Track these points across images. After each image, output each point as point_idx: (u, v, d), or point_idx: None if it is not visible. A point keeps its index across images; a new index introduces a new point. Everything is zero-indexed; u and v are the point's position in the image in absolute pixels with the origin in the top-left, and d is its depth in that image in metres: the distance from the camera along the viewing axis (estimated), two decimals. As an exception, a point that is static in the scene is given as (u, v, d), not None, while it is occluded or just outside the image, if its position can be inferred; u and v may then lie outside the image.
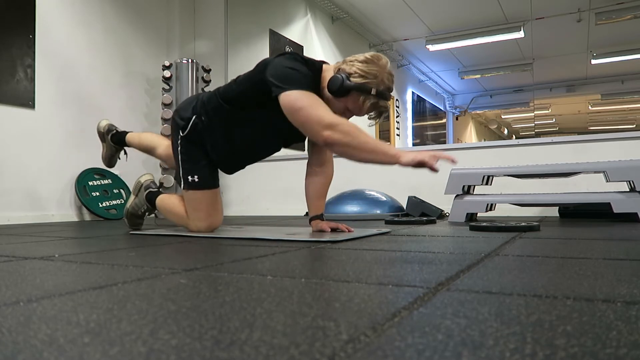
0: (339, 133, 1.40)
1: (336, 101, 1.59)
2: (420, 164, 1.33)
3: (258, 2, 4.57)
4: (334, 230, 1.73)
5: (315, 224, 1.80)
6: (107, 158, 2.24)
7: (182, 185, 1.80)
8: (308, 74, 1.54)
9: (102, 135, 2.22)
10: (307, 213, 3.57)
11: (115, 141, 2.18)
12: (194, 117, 1.75)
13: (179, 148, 1.80)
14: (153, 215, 2.09)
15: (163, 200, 1.93)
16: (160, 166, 3.61)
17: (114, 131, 2.20)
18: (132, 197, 2.04)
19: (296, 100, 1.45)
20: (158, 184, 2.06)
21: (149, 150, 2.13)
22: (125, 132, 2.19)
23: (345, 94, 1.56)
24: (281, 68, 1.51)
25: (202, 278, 0.78)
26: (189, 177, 1.77)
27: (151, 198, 1.97)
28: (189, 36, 4.23)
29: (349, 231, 1.70)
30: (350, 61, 1.58)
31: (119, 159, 2.28)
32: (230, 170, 1.91)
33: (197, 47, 4.23)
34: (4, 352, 0.40)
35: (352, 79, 1.54)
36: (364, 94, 1.55)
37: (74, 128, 3.35)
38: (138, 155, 3.74)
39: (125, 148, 2.25)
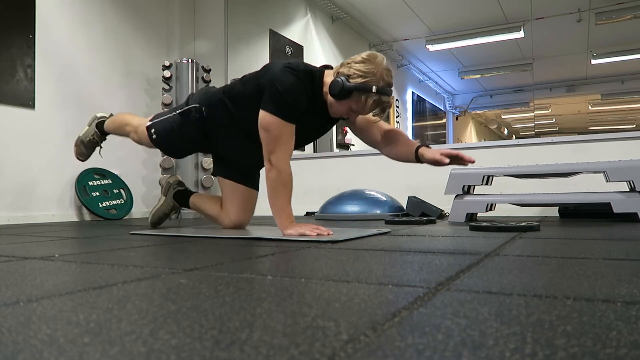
0: (273, 174, 1.61)
1: (339, 104, 1.63)
2: (300, 235, 1.50)
3: (258, 2, 4.57)
4: (451, 156, 1.65)
5: (423, 153, 1.71)
6: (158, 216, 2.17)
7: (147, 132, 1.93)
8: (297, 102, 1.61)
9: (168, 189, 2.19)
10: (307, 213, 3.57)
11: (177, 199, 2.16)
12: (196, 105, 1.84)
13: (169, 116, 1.90)
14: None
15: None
16: (160, 166, 3.61)
17: (183, 189, 2.17)
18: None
19: (270, 124, 1.60)
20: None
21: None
22: (191, 193, 2.16)
23: (347, 96, 1.59)
24: (276, 91, 1.58)
25: (202, 278, 0.78)
26: (153, 129, 1.92)
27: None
28: (189, 36, 4.23)
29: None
30: (348, 63, 1.61)
31: (170, 219, 2.25)
32: (237, 167, 1.99)
33: (197, 47, 4.23)
34: (4, 352, 0.40)
35: (351, 80, 1.58)
36: (366, 93, 1.58)
37: (74, 128, 3.35)
38: (138, 155, 3.75)
39: (102, 144, 2.27)
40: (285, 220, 1.60)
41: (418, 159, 1.73)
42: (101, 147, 2.25)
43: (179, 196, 2.15)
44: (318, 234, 1.50)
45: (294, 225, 1.58)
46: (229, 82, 1.85)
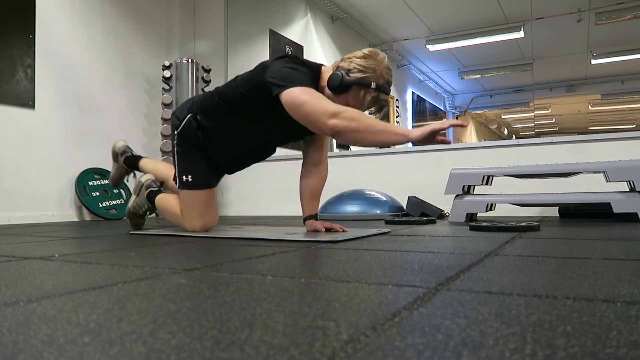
0: (345, 120, 1.39)
1: (337, 98, 1.60)
2: (431, 135, 1.35)
3: (258, 2, 4.57)
4: (328, 230, 1.73)
5: (309, 224, 1.80)
6: (114, 179, 2.23)
7: (177, 185, 1.82)
8: (307, 72, 1.57)
9: (116, 155, 2.21)
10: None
11: (127, 164, 2.17)
12: (188, 115, 1.77)
13: (175, 148, 1.82)
14: (154, 214, 2.09)
15: (161, 199, 1.94)
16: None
17: (129, 154, 2.18)
18: (133, 197, 2.05)
19: (298, 96, 1.46)
20: (159, 184, 2.06)
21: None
22: (140, 157, 2.16)
23: (346, 90, 1.58)
24: (280, 69, 1.53)
25: (202, 278, 0.78)
26: (184, 177, 1.79)
27: (152, 197, 1.98)
28: (189, 36, 4.23)
29: (343, 231, 1.70)
30: (349, 58, 1.60)
31: (127, 181, 2.26)
32: (230, 170, 1.92)
33: (197, 47, 4.23)
34: (4, 352, 0.40)
35: (351, 74, 1.57)
36: (364, 89, 1.57)
37: (74, 128, 3.35)
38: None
39: (135, 172, 2.24)
40: (398, 128, 1.42)
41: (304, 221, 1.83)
42: (150, 213, 2.08)
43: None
44: (445, 126, 1.36)
45: (415, 129, 1.40)
46: (227, 82, 1.80)
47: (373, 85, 1.56)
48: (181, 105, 1.88)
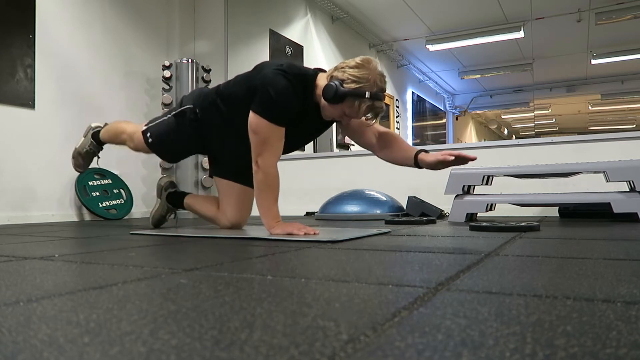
0: (260, 176, 1.63)
1: (332, 108, 1.63)
2: (288, 235, 1.52)
3: (258, 2, 4.57)
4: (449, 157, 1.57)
5: (423, 158, 1.66)
6: (156, 218, 2.20)
7: (143, 135, 1.95)
8: (287, 106, 1.61)
9: (160, 191, 2.20)
10: (307, 213, 3.57)
11: (170, 201, 2.17)
12: (190, 106, 1.85)
13: (165, 118, 1.92)
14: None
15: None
16: (160, 166, 3.61)
17: (174, 190, 2.18)
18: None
19: (259, 127, 1.61)
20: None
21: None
22: (185, 194, 2.16)
23: (341, 100, 1.59)
24: (267, 94, 1.59)
25: (202, 278, 0.78)
26: (148, 134, 1.93)
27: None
28: (189, 36, 4.23)
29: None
30: (342, 68, 1.61)
31: (167, 220, 2.25)
32: (228, 171, 1.96)
33: (197, 47, 4.23)
34: (4, 352, 0.40)
35: (345, 85, 1.58)
36: (359, 99, 1.58)
37: (74, 128, 3.35)
38: (138, 155, 3.75)
39: (100, 153, 2.29)
40: (272, 220, 1.62)
41: (417, 164, 1.68)
42: (99, 157, 2.26)
43: (172, 197, 2.16)
44: (305, 233, 1.51)
45: (281, 224, 1.60)
46: (228, 80, 1.85)
47: (367, 94, 1.57)
48: (194, 91, 1.97)
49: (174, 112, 1.90)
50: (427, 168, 1.67)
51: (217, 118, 1.80)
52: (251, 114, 1.62)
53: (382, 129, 1.85)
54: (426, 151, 1.68)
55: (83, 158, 2.21)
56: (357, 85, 1.56)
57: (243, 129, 1.70)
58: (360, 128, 1.83)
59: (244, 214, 1.98)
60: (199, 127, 1.85)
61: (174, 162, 2.25)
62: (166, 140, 1.92)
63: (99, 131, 2.19)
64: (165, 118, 1.93)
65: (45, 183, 3.16)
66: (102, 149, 2.23)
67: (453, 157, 1.55)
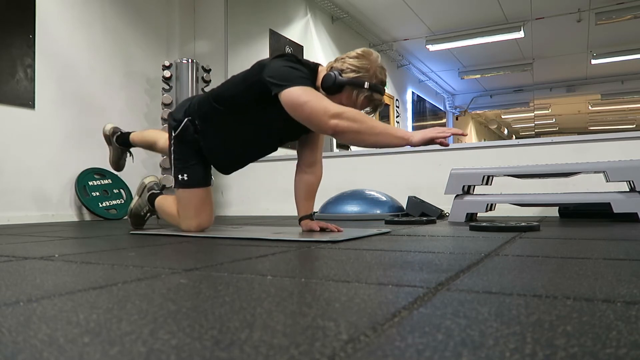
0: (346, 120, 1.41)
1: (331, 98, 1.59)
2: (430, 141, 1.38)
3: (258, 2, 4.57)
4: (322, 230, 1.72)
5: (304, 224, 1.80)
6: (114, 161, 2.27)
7: (174, 184, 1.83)
8: (306, 72, 1.57)
9: (108, 138, 2.25)
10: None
11: (120, 142, 2.22)
12: (185, 119, 1.77)
13: (172, 147, 1.83)
14: (155, 216, 2.12)
15: (160, 200, 1.97)
16: (161, 166, 3.61)
17: (119, 133, 2.23)
18: (136, 198, 2.08)
19: (299, 96, 1.45)
20: (161, 186, 2.11)
21: (150, 146, 2.14)
22: (129, 133, 2.23)
23: (339, 90, 1.58)
24: (279, 68, 1.52)
25: (202, 278, 0.78)
26: (179, 176, 1.80)
27: (153, 199, 2.01)
28: (189, 36, 4.23)
29: (339, 231, 1.69)
30: (342, 58, 1.60)
31: (126, 160, 2.31)
32: (226, 171, 1.92)
33: (197, 47, 4.23)
34: (4, 352, 0.40)
35: (344, 74, 1.57)
36: (358, 89, 1.57)
37: (73, 128, 3.35)
38: (138, 155, 3.75)
39: (131, 149, 2.29)
40: (398, 131, 1.43)
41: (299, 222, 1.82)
42: (151, 215, 2.10)
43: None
44: (445, 135, 1.38)
45: (416, 132, 1.41)
46: (222, 84, 1.79)
47: (366, 85, 1.56)
48: (178, 106, 1.88)
49: (175, 134, 1.79)
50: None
51: (217, 123, 1.73)
52: (282, 96, 1.47)
53: (319, 163, 1.87)
54: (311, 219, 1.81)
55: (141, 218, 2.08)
56: (356, 75, 1.55)
57: (243, 130, 1.69)
58: (313, 142, 1.83)
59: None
60: (202, 137, 1.77)
61: (208, 183, 1.96)
62: (191, 171, 1.79)
63: (155, 194, 2.02)
64: (173, 156, 1.81)
65: (45, 183, 3.16)
66: (155, 212, 2.06)
67: (317, 229, 1.72)
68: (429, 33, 6.26)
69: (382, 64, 1.62)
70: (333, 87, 1.57)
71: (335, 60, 1.62)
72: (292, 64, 1.54)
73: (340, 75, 1.56)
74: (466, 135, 1.44)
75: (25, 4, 3.05)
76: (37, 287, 0.71)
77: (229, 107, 1.69)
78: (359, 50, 1.60)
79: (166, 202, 1.93)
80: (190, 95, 3.60)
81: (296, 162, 1.90)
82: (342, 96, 1.59)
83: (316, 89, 1.60)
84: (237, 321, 0.50)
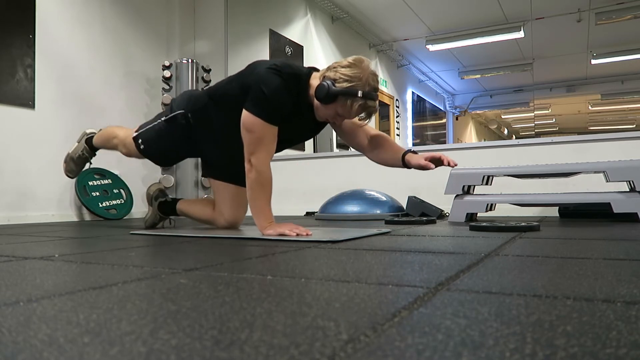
0: (253, 175, 1.61)
1: (325, 107, 1.63)
2: (280, 235, 1.51)
3: (258, 2, 4.57)
4: (422, 168, 1.70)
5: (410, 158, 1.75)
6: (150, 225, 2.22)
7: (134, 141, 1.96)
8: (281, 104, 1.61)
9: (150, 200, 2.22)
10: (307, 213, 3.57)
11: (162, 211, 2.18)
12: (180, 110, 1.85)
13: (157, 120, 1.93)
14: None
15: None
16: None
17: (164, 199, 2.18)
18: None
19: (253, 125, 1.59)
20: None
21: (204, 221, 2.10)
22: (176, 200, 2.17)
23: (333, 100, 1.59)
24: (260, 92, 1.58)
25: (202, 278, 0.78)
26: (140, 140, 1.94)
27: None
28: (189, 36, 4.23)
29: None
30: (334, 67, 1.61)
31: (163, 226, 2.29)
32: (224, 172, 1.96)
33: (197, 47, 4.23)
34: (4, 352, 0.40)
35: (337, 84, 1.58)
36: (351, 98, 1.58)
37: (74, 128, 3.35)
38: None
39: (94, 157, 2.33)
40: (264, 220, 1.61)
41: (405, 164, 1.76)
42: (91, 163, 2.30)
43: (164, 207, 2.15)
44: (297, 234, 1.50)
45: (273, 225, 1.58)
46: (220, 81, 1.85)
47: (359, 93, 1.57)
48: (183, 94, 1.96)
49: (165, 118, 1.89)
50: (414, 168, 1.75)
51: (210, 121, 1.81)
52: (244, 113, 1.61)
53: (373, 131, 1.87)
54: (415, 152, 1.76)
55: (75, 163, 2.24)
56: (349, 85, 1.56)
57: (237, 130, 1.70)
58: (352, 129, 1.84)
59: (241, 212, 1.98)
60: (190, 131, 1.86)
61: (166, 166, 2.29)
62: (158, 146, 1.93)
63: (92, 137, 2.22)
64: (156, 123, 1.92)
65: (45, 183, 3.16)
66: (94, 154, 2.26)
67: (434, 166, 1.68)
68: (429, 33, 6.26)
69: (374, 70, 1.63)
70: (327, 98, 1.59)
71: (328, 69, 1.63)
72: (274, 90, 1.57)
73: (333, 85, 1.58)
74: (311, 234, 1.52)
75: (25, 4, 3.05)
76: (37, 287, 0.71)
77: (220, 103, 1.77)
78: (350, 59, 1.61)
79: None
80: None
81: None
82: (337, 105, 1.61)
83: (308, 96, 1.67)
84: (237, 321, 0.50)
